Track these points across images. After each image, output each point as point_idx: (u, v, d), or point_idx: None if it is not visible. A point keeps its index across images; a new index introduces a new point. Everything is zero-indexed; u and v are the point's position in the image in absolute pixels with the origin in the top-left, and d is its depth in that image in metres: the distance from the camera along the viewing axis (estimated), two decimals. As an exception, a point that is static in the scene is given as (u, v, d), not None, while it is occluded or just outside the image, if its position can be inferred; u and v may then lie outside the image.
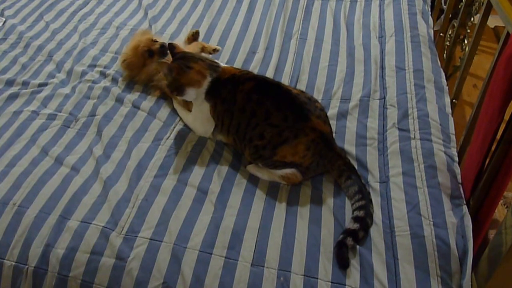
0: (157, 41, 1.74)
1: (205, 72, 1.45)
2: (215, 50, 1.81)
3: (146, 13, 2.18)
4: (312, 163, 1.38)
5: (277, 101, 1.39)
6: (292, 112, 1.37)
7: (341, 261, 1.21)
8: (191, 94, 1.46)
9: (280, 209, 1.34)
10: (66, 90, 1.75)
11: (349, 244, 1.23)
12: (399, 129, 1.56)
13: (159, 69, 1.55)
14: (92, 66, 1.86)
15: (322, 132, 1.38)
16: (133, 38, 1.81)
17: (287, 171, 1.39)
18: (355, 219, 1.28)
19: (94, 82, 1.78)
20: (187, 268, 1.20)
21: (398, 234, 1.27)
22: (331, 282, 1.18)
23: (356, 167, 1.45)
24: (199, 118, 1.53)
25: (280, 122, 1.37)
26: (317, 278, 1.19)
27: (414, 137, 1.52)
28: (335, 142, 1.45)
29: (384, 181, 1.43)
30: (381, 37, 2.00)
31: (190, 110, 1.58)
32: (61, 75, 1.82)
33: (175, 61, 1.47)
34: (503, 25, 1.41)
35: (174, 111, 1.64)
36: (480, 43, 1.76)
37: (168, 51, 1.60)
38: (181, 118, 1.61)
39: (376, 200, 1.37)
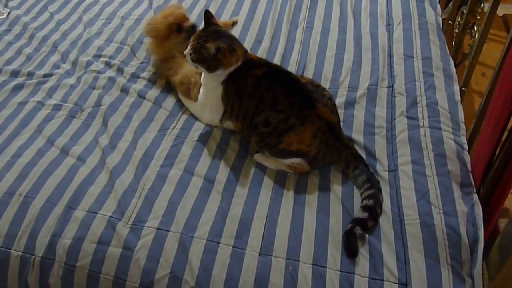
0: (188, 19, 1.67)
1: (240, 58, 1.42)
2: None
3: (151, 3, 2.16)
4: (319, 152, 1.37)
5: (285, 88, 1.38)
6: (299, 99, 1.36)
7: (349, 250, 1.20)
8: (217, 74, 1.40)
9: (288, 198, 1.33)
10: (71, 80, 1.74)
11: (358, 233, 1.22)
12: (408, 117, 1.54)
13: (207, 47, 1.37)
14: (97, 56, 1.85)
15: (328, 121, 1.37)
16: (167, 8, 1.74)
17: (294, 160, 1.38)
18: (364, 208, 1.27)
19: (99, 72, 1.76)
20: (194, 258, 1.19)
21: (407, 222, 1.26)
22: (340, 271, 1.17)
23: (364, 156, 1.43)
24: (208, 105, 1.50)
25: (286, 109, 1.35)
26: (326, 267, 1.18)
27: (423, 125, 1.50)
28: (342, 132, 1.44)
29: (393, 169, 1.41)
30: (389, 25, 1.97)
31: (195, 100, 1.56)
32: (66, 66, 1.81)
33: (222, 41, 1.37)
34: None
35: (180, 101, 1.63)
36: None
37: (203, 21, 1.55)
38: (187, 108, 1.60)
39: (385, 189, 1.35)
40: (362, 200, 1.30)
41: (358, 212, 1.28)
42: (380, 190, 1.33)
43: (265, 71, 1.42)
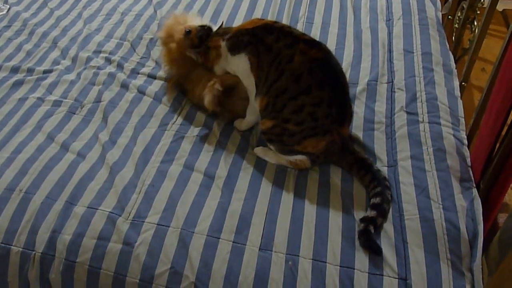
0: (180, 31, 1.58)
1: (218, 42, 1.45)
2: None
3: (150, -1, 2.16)
4: (323, 153, 1.37)
5: (334, 93, 1.32)
6: (337, 112, 1.32)
7: (375, 249, 1.18)
8: (220, 67, 1.50)
9: (288, 193, 1.33)
10: (71, 76, 1.74)
11: (372, 231, 1.21)
12: (407, 113, 1.53)
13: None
14: (97, 52, 1.84)
15: (345, 138, 1.37)
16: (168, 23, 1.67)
17: (297, 157, 1.37)
18: (372, 206, 1.27)
19: (99, 68, 1.76)
20: (194, 253, 1.19)
21: (407, 217, 1.26)
22: (340, 266, 1.17)
23: (363, 152, 1.43)
24: (244, 74, 1.43)
25: (323, 117, 1.31)
26: (326, 262, 1.18)
27: (423, 120, 1.50)
28: (350, 143, 1.42)
29: (392, 165, 1.41)
30: (389, 20, 1.97)
31: None
32: (66, 62, 1.81)
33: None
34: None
35: (179, 96, 1.63)
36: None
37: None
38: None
39: (384, 184, 1.35)
40: (370, 198, 1.30)
41: (367, 211, 1.27)
42: (387, 187, 1.31)
43: (321, 57, 1.33)
